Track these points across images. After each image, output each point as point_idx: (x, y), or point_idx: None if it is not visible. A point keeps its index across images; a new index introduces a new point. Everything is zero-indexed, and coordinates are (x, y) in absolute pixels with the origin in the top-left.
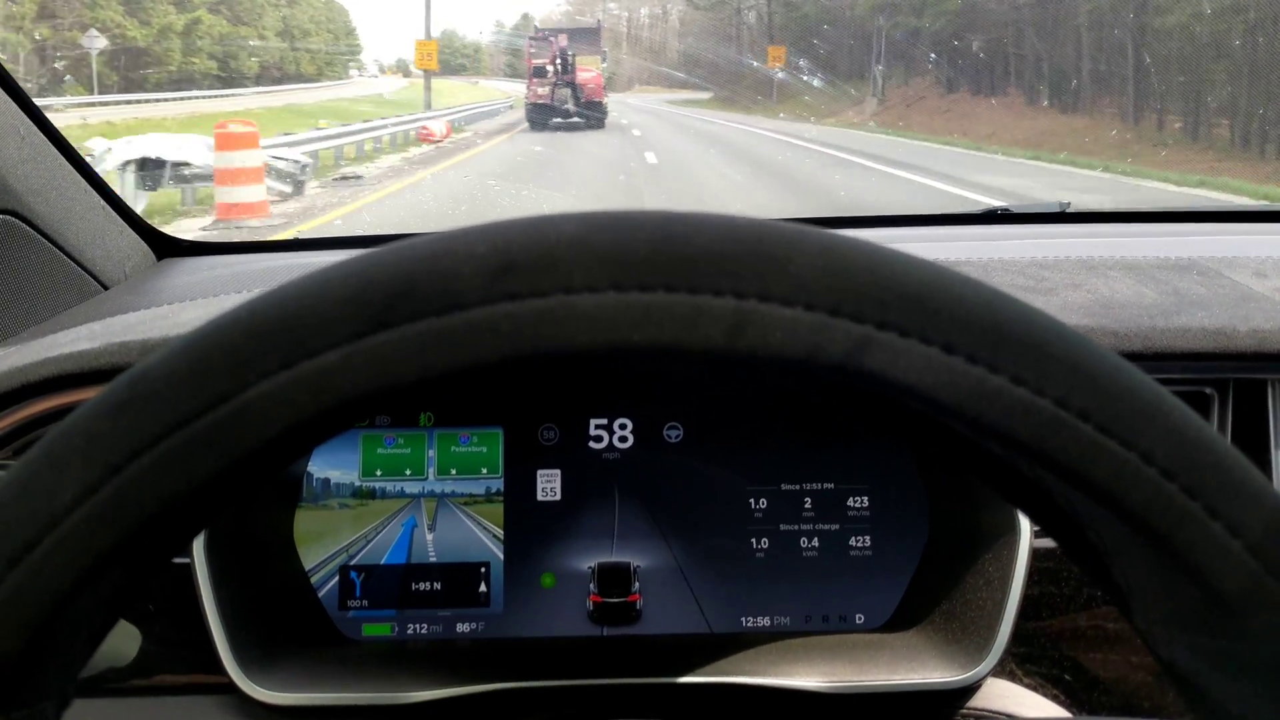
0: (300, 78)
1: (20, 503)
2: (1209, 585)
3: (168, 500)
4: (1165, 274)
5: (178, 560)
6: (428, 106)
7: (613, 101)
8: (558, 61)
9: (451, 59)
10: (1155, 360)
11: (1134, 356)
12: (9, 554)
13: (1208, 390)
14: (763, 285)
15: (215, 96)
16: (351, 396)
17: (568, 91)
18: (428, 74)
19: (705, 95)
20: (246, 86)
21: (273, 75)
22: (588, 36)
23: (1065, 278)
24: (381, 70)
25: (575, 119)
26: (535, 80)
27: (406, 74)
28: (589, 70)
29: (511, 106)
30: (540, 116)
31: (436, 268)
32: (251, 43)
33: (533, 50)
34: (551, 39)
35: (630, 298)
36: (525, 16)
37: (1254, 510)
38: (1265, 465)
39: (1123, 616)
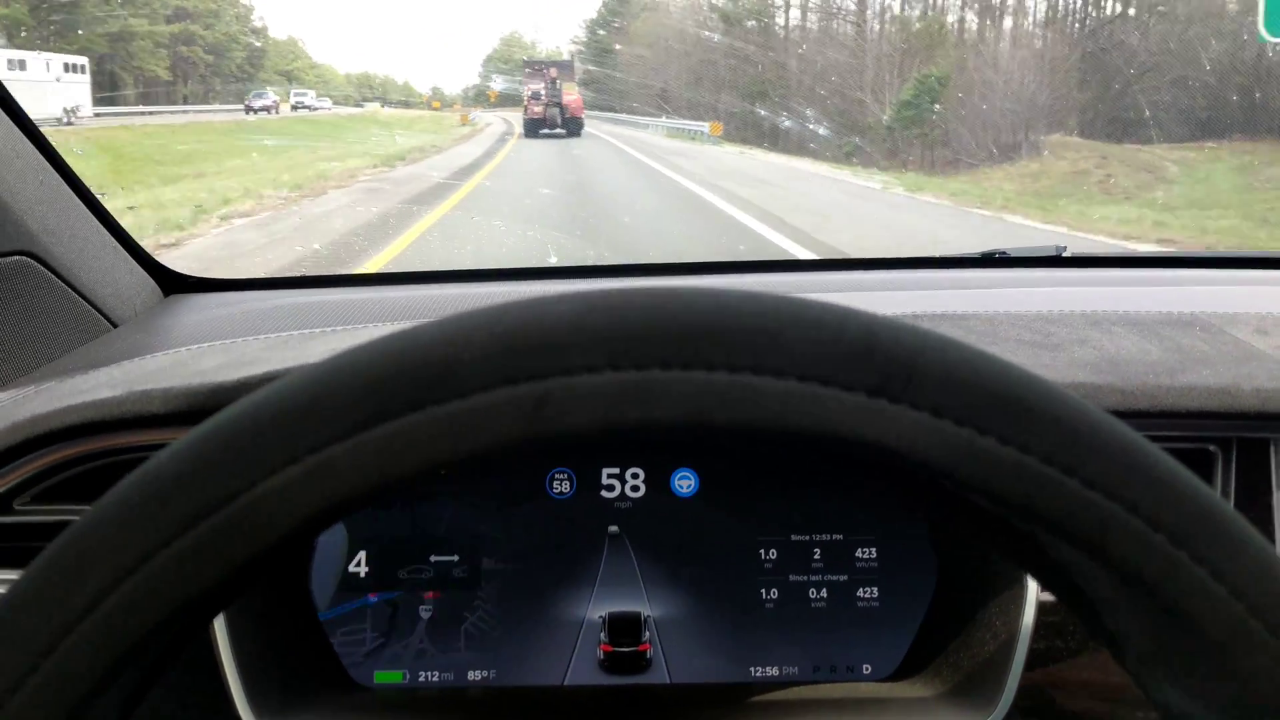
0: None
1: (35, 608)
2: (1196, 630)
3: (181, 601)
4: (1168, 330)
5: None
6: None
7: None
8: (549, 88)
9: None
10: (1161, 418)
11: (1140, 414)
12: (27, 660)
13: (1211, 448)
14: (755, 359)
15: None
16: (358, 487)
17: (556, 110)
18: None
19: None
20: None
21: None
22: (566, 68)
23: (1070, 333)
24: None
25: (559, 130)
26: (532, 101)
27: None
28: (571, 94)
29: None
30: (534, 128)
31: (433, 356)
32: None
33: (528, 79)
34: (545, 70)
35: (626, 376)
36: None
37: (1238, 556)
38: (1268, 523)
39: (1116, 661)
